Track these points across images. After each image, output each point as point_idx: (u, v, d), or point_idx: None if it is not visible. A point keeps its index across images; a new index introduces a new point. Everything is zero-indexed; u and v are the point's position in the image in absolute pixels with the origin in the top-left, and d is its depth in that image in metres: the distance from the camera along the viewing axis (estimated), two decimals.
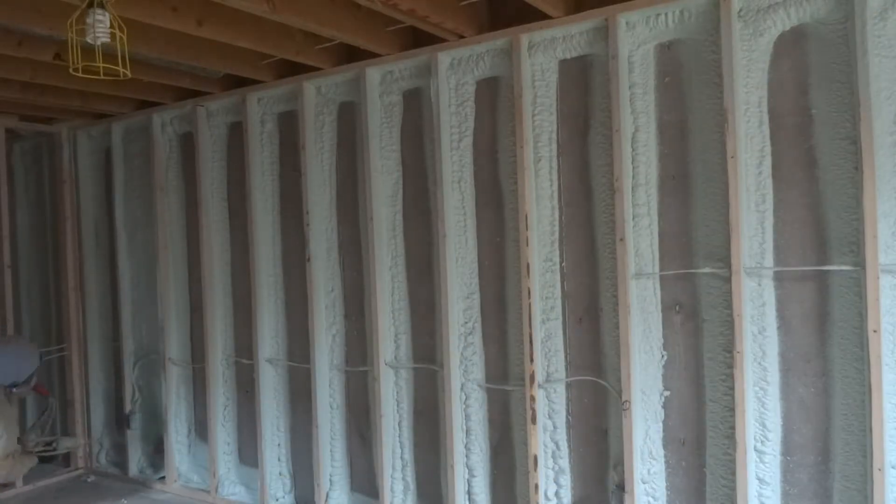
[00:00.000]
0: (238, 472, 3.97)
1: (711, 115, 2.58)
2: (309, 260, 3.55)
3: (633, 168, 2.73)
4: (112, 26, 2.05)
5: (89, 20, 2.01)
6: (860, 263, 2.34)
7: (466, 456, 3.17)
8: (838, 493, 2.44)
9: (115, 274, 4.42)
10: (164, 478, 4.18)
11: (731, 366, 2.55)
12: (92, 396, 4.61)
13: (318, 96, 3.55)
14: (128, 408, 4.34)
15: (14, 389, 3.61)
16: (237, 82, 3.76)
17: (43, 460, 3.85)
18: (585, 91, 2.85)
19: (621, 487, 2.76)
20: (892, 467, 2.33)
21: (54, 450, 3.89)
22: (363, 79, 3.31)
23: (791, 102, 2.48)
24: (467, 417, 3.16)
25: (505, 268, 3.05)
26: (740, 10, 2.51)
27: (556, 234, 2.93)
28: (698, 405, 2.67)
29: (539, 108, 2.92)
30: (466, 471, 3.18)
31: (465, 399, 3.17)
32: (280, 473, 3.79)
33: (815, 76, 2.44)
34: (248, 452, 3.91)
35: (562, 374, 2.94)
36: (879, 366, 2.29)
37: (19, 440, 3.59)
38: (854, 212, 2.36)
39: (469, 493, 3.17)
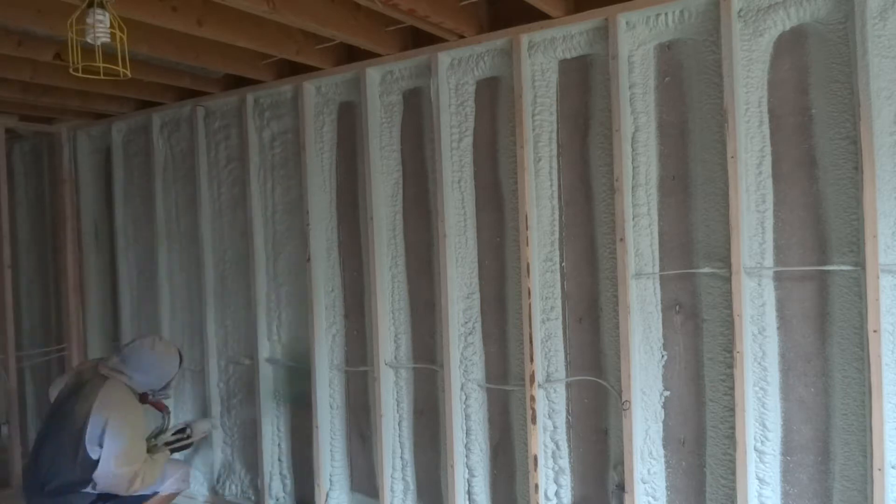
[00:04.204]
0: (238, 473, 3.97)
1: (711, 115, 2.58)
2: (309, 260, 3.55)
3: (633, 168, 2.73)
4: (112, 26, 2.05)
5: (89, 20, 2.01)
6: (860, 263, 2.34)
7: (466, 456, 3.17)
8: (838, 493, 2.44)
9: (115, 274, 4.43)
10: None
11: (731, 366, 2.55)
12: None
13: (318, 96, 3.55)
14: None
15: (152, 396, 3.24)
16: (237, 82, 3.77)
17: (176, 451, 3.38)
18: (585, 91, 2.85)
19: (621, 487, 2.76)
20: (892, 467, 2.33)
21: (188, 437, 3.41)
22: (363, 79, 3.31)
23: (791, 102, 2.48)
24: (467, 417, 3.16)
25: (505, 268, 3.05)
26: (740, 10, 2.51)
27: (556, 234, 2.93)
28: (698, 405, 2.67)
29: (539, 108, 2.92)
30: (466, 471, 3.18)
31: (465, 399, 3.17)
32: (280, 473, 3.79)
33: (815, 76, 2.44)
34: (250, 453, 3.92)
35: (562, 373, 2.94)
36: (879, 366, 2.29)
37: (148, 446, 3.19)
38: (854, 212, 2.36)
39: (469, 492, 3.17)
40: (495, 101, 3.06)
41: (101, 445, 2.86)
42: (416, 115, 3.28)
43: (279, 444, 3.79)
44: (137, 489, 2.96)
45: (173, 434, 3.38)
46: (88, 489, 2.92)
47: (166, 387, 3.25)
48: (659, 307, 2.73)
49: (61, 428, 2.96)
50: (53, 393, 3.23)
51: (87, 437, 2.86)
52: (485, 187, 3.10)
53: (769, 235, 2.52)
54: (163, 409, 3.35)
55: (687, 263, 2.67)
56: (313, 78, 3.49)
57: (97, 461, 2.87)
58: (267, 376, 3.77)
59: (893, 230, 2.32)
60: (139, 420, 3.04)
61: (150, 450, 3.14)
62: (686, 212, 2.67)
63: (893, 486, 2.33)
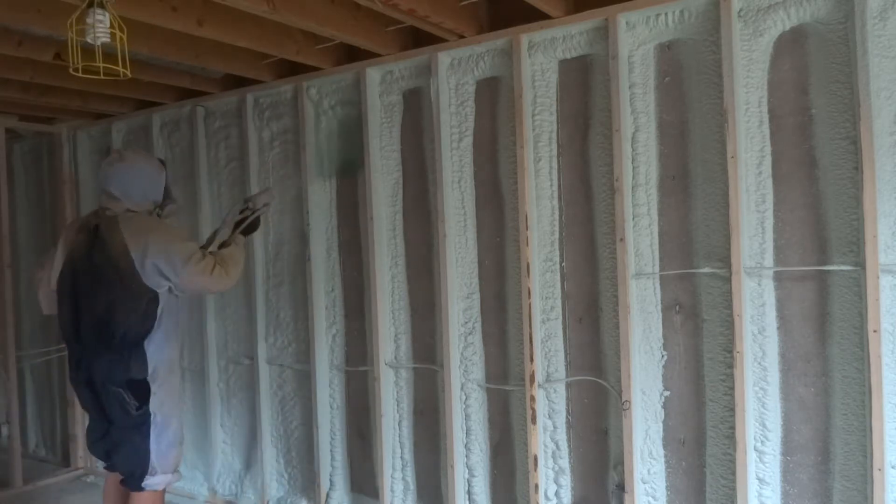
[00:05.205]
0: (238, 474, 3.97)
1: (711, 115, 2.58)
2: (309, 259, 3.55)
3: (633, 168, 2.73)
4: (112, 26, 2.05)
5: (89, 20, 2.01)
6: (860, 263, 2.34)
7: (466, 456, 3.17)
8: (838, 493, 2.44)
9: None
10: None
11: (731, 366, 2.55)
12: None
13: (318, 96, 3.55)
14: None
15: (160, 212, 2.94)
16: (237, 82, 3.77)
17: (249, 231, 3.10)
18: (585, 91, 2.85)
19: (621, 487, 2.76)
20: (892, 467, 2.33)
21: (252, 210, 3.10)
22: (363, 79, 3.31)
23: (791, 102, 2.48)
24: (467, 417, 3.16)
25: (505, 267, 3.05)
26: (740, 10, 2.51)
27: (556, 234, 2.93)
28: (698, 405, 2.67)
29: (539, 108, 2.92)
30: (466, 471, 3.18)
31: (465, 399, 3.17)
32: (280, 474, 3.79)
33: (815, 76, 2.44)
34: (249, 453, 3.92)
35: (562, 373, 2.94)
36: (879, 366, 2.30)
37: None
38: (854, 212, 2.36)
39: (469, 492, 3.17)
40: (495, 101, 3.06)
41: (163, 274, 2.71)
42: (416, 115, 3.28)
43: (279, 445, 3.79)
44: (232, 276, 2.86)
45: (239, 214, 3.10)
46: (154, 333, 2.77)
47: (168, 194, 2.99)
48: (659, 307, 2.73)
49: (104, 275, 2.76)
50: (47, 270, 2.97)
51: (141, 273, 2.70)
52: (485, 187, 3.10)
53: (769, 235, 2.52)
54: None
55: (687, 263, 2.67)
56: (313, 78, 3.49)
57: (157, 293, 2.74)
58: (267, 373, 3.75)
59: (893, 230, 2.32)
60: (176, 230, 2.91)
61: (224, 244, 2.97)
62: (686, 212, 2.67)
63: (893, 486, 2.33)
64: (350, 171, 3.48)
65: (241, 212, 3.11)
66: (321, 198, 3.57)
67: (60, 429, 4.75)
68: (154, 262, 2.71)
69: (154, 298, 2.77)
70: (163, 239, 2.76)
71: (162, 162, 3.03)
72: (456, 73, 3.12)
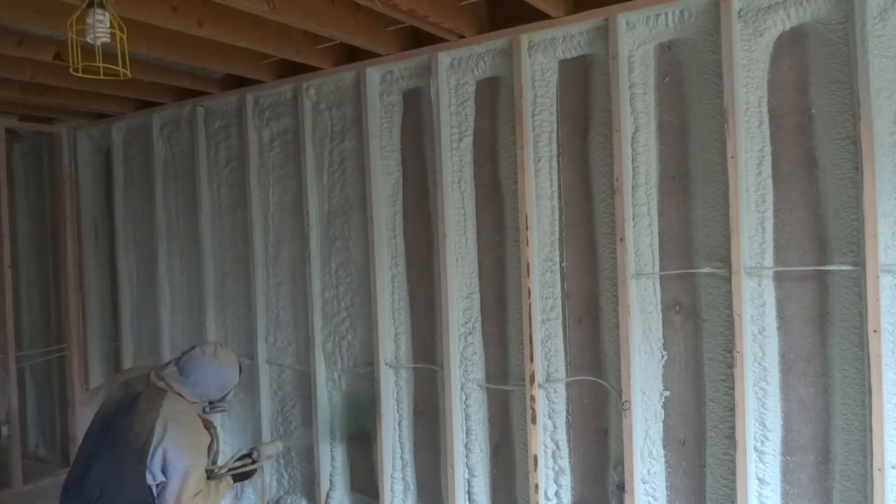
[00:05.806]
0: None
1: (711, 115, 2.58)
2: (309, 259, 3.55)
3: (633, 168, 2.73)
4: (112, 26, 2.05)
5: (89, 20, 2.01)
6: (860, 263, 2.34)
7: (466, 456, 3.17)
8: (838, 493, 2.44)
9: (114, 274, 4.43)
10: None
11: (731, 366, 2.55)
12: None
13: (318, 96, 3.55)
14: None
15: (207, 408, 2.88)
16: (237, 82, 3.77)
17: (241, 478, 3.01)
18: (585, 91, 2.85)
19: (621, 487, 2.76)
20: (892, 467, 2.33)
21: (254, 461, 3.03)
22: (363, 79, 3.31)
23: (791, 102, 2.48)
24: (467, 417, 3.16)
25: (505, 267, 3.05)
26: (740, 10, 2.51)
27: (556, 234, 2.93)
28: (698, 405, 2.67)
29: (539, 108, 2.92)
30: (466, 471, 3.18)
31: (465, 399, 3.17)
32: (280, 474, 3.79)
33: (815, 76, 2.44)
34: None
35: (562, 373, 2.94)
36: (879, 366, 2.29)
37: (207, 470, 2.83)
38: (854, 212, 2.36)
39: (469, 492, 3.17)
40: (495, 101, 3.06)
41: (163, 469, 2.58)
42: (416, 115, 3.28)
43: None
44: None
45: (237, 459, 3.02)
46: None
47: (223, 398, 2.92)
48: (659, 307, 2.73)
49: (116, 444, 2.62)
50: (93, 402, 2.86)
51: (149, 458, 2.56)
52: (485, 187, 3.10)
53: (769, 235, 2.52)
54: (208, 426, 2.92)
55: (687, 263, 2.67)
56: (313, 78, 3.49)
57: (150, 486, 2.58)
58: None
59: (893, 230, 2.32)
60: (204, 441, 2.72)
61: (211, 476, 2.82)
62: (686, 212, 2.67)
63: (893, 486, 2.33)
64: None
65: (243, 457, 3.02)
66: (321, 198, 3.57)
67: (60, 429, 4.74)
68: (165, 451, 2.56)
69: (145, 490, 2.58)
70: (187, 437, 2.62)
71: (241, 370, 2.96)
72: (456, 73, 3.12)
